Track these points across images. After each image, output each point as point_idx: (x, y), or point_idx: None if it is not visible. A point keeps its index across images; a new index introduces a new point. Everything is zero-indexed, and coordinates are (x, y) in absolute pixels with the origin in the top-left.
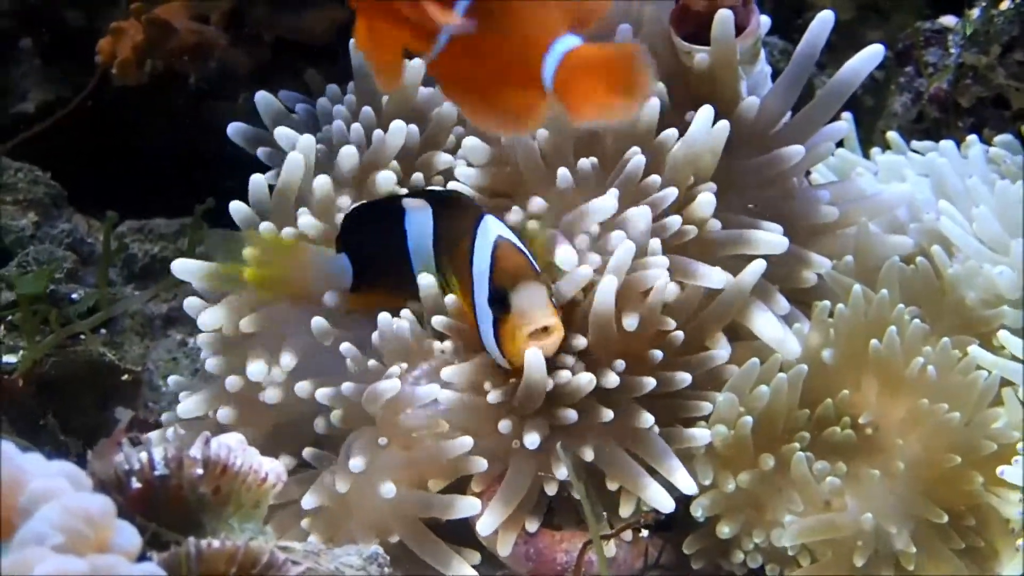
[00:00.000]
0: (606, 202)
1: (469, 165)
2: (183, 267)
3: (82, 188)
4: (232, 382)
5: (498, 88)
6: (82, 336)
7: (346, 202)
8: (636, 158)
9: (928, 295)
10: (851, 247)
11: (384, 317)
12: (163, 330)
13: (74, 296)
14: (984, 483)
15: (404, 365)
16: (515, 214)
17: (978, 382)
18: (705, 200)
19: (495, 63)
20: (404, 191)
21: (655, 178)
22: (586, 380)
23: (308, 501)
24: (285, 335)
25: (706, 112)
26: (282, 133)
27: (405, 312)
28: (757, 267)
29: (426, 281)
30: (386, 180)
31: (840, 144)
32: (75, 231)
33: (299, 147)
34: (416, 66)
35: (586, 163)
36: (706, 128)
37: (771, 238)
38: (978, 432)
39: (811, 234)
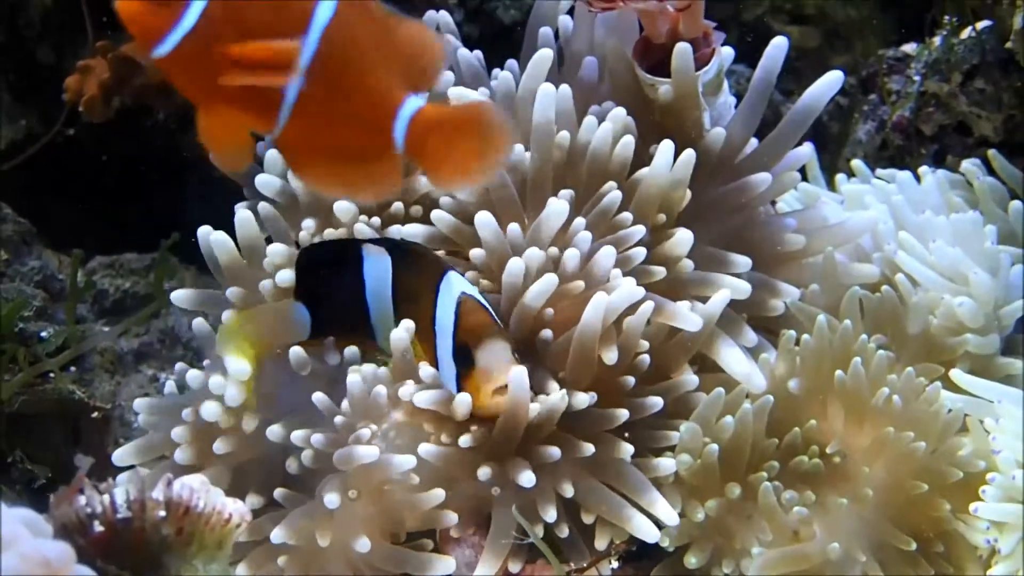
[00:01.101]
0: (559, 205)
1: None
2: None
3: (54, 223)
4: (179, 432)
5: (350, 157)
6: (51, 374)
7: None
8: (612, 193)
9: (893, 323)
10: (817, 275)
11: (353, 379)
12: (134, 366)
13: (43, 334)
14: (951, 510)
15: (374, 427)
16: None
17: (943, 410)
18: (684, 238)
19: (343, 132)
20: (367, 232)
21: (627, 215)
22: (558, 398)
23: (277, 535)
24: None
25: (667, 146)
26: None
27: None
28: (722, 297)
29: (399, 343)
30: (346, 211)
31: (804, 178)
32: (45, 268)
33: (237, 222)
34: None
35: (565, 195)
36: (668, 161)
37: (738, 284)
38: (944, 460)
39: (778, 262)
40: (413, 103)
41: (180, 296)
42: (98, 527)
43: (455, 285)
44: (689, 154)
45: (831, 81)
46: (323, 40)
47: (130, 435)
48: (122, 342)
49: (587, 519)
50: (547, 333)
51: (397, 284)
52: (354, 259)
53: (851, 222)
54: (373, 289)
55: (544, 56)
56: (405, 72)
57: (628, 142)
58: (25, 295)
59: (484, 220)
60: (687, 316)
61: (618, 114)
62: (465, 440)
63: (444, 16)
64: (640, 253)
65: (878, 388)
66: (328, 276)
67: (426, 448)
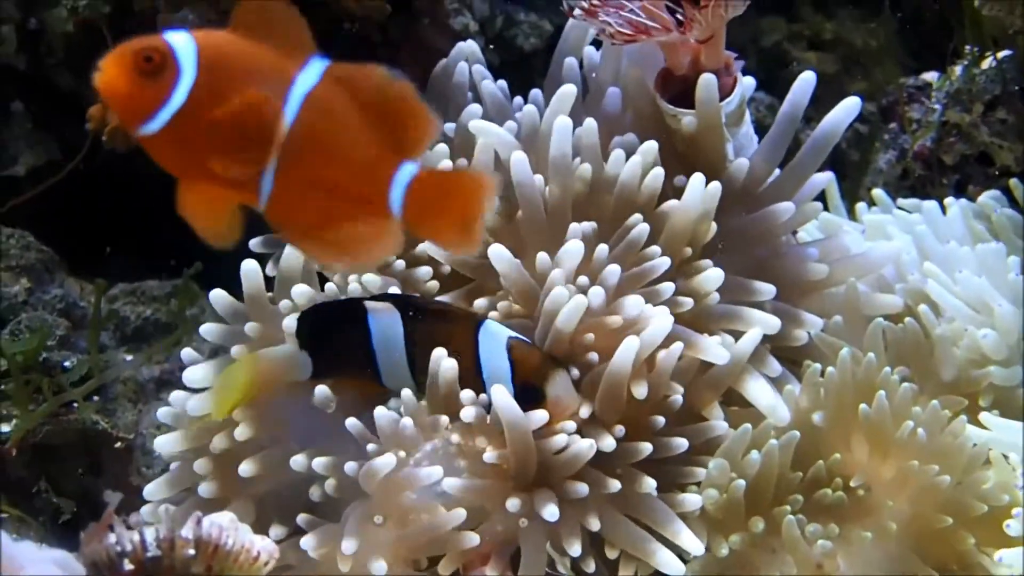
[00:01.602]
0: (575, 246)
1: None
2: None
3: (74, 250)
4: (201, 464)
5: (343, 222)
6: (75, 404)
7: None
8: (640, 227)
9: (916, 355)
10: (840, 306)
11: (381, 410)
12: (156, 393)
13: (67, 363)
14: (976, 543)
15: (402, 453)
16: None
17: (968, 444)
18: (713, 276)
19: (333, 200)
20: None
21: (655, 248)
22: (586, 446)
23: (307, 542)
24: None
25: (699, 179)
26: None
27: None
28: (754, 336)
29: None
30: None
31: (824, 207)
32: (67, 296)
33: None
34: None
35: (588, 227)
36: (699, 195)
37: (767, 319)
38: (968, 493)
39: (801, 292)
40: (408, 170)
41: (208, 329)
42: (128, 565)
43: (498, 333)
44: (715, 186)
45: (849, 107)
46: (303, 109)
47: (151, 464)
48: (143, 370)
49: (611, 554)
50: (593, 356)
51: (417, 343)
52: (357, 314)
53: (873, 252)
54: (383, 344)
55: (567, 92)
56: (396, 138)
57: (658, 175)
58: (48, 324)
59: (498, 253)
60: (715, 350)
61: (649, 148)
62: (490, 456)
63: (471, 46)
64: (669, 288)
65: (902, 421)
66: (330, 329)
67: (453, 481)
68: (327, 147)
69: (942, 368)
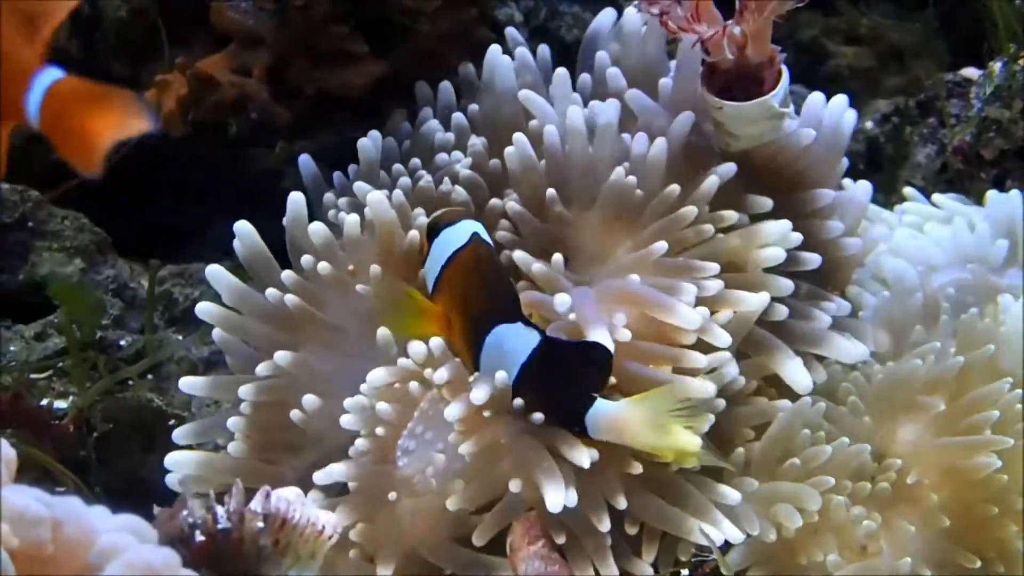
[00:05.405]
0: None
1: None
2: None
3: (123, 233)
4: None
5: None
6: (130, 382)
7: None
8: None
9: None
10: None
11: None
12: (205, 373)
13: (122, 343)
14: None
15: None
16: None
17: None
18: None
19: None
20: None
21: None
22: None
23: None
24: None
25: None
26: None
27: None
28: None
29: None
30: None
31: None
32: (119, 276)
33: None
34: None
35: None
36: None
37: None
38: (1014, 486)
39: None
40: (51, 73)
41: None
42: (199, 537)
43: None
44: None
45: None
46: None
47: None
48: (193, 350)
49: (631, 530)
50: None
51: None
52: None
53: (855, 190)
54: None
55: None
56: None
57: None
58: (103, 301)
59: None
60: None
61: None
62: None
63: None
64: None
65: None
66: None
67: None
68: None
69: (1003, 361)
